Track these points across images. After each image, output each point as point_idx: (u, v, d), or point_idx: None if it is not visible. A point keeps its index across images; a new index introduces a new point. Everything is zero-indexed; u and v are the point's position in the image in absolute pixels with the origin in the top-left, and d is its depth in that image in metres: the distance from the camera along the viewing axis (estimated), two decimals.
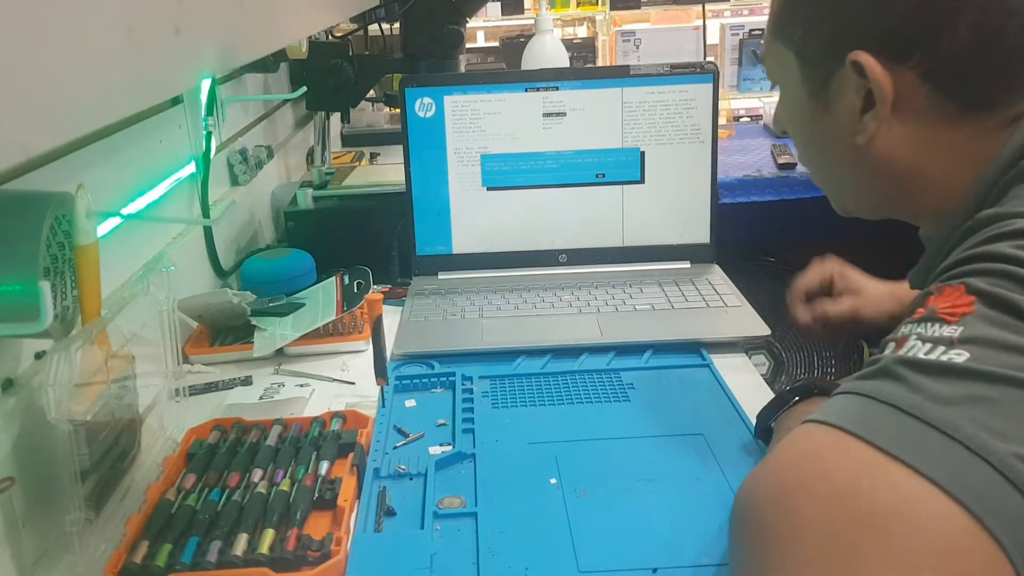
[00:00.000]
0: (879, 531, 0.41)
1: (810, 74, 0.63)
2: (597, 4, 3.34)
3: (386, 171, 1.37)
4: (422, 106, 1.09)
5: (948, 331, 0.45)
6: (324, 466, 0.70)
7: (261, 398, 0.87)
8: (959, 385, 0.43)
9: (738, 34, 3.17)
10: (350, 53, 1.31)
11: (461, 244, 1.13)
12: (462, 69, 1.46)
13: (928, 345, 0.45)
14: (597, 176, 1.11)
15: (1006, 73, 0.56)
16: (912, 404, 0.43)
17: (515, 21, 3.34)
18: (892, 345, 0.47)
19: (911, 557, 0.40)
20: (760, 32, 3.12)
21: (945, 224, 0.59)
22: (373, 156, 1.69)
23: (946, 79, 0.56)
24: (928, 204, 0.62)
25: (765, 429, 0.69)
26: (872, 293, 0.94)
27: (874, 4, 0.57)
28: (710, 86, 1.10)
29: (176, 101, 1.02)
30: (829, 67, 0.61)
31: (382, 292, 1.09)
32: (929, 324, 0.46)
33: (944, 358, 0.44)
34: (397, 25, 1.46)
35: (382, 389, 0.80)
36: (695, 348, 0.91)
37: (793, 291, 0.98)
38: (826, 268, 0.96)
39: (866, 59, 0.57)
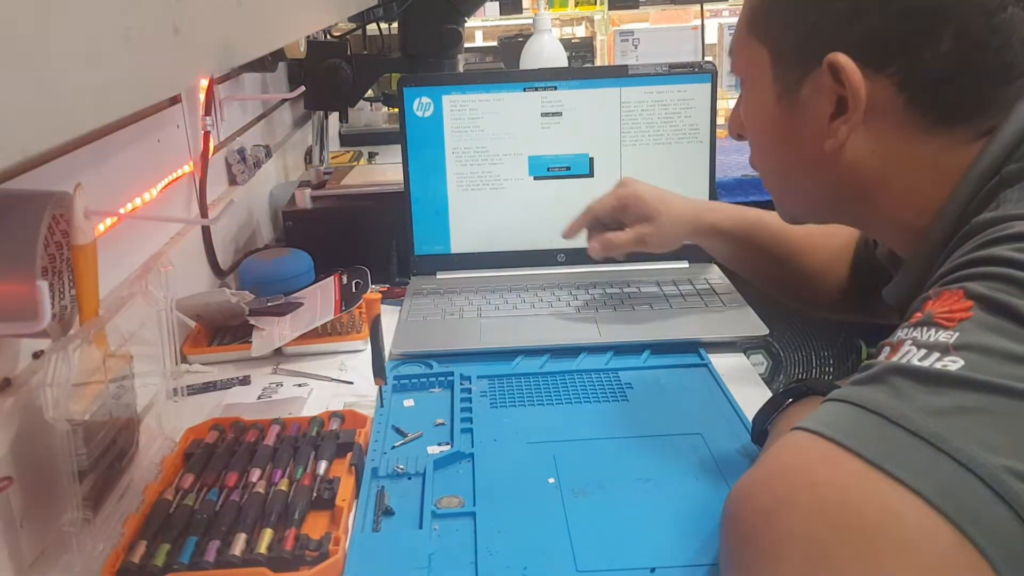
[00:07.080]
0: (865, 547, 0.40)
1: (783, 74, 0.62)
2: (595, 4, 3.34)
3: (384, 171, 1.37)
4: (420, 105, 1.09)
5: (944, 337, 0.44)
6: (322, 466, 0.70)
7: (259, 398, 0.87)
8: (952, 395, 0.42)
9: None
10: (348, 53, 1.31)
11: (459, 244, 1.13)
12: (460, 69, 1.46)
13: (923, 351, 0.44)
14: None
15: (981, 89, 0.55)
16: (901, 415, 0.42)
17: (513, 21, 3.34)
18: (887, 350, 0.47)
19: (897, 574, 0.39)
20: None
21: (924, 240, 0.58)
22: (371, 155, 1.69)
23: (923, 90, 0.56)
24: (884, 215, 0.61)
25: (761, 432, 0.68)
26: (666, 219, 0.93)
27: (859, 7, 0.56)
28: (708, 86, 1.10)
29: (174, 100, 1.02)
30: (804, 68, 0.60)
31: (380, 292, 1.09)
32: (925, 329, 0.46)
33: (938, 365, 0.43)
34: (395, 25, 1.46)
35: (380, 389, 0.80)
36: (693, 348, 0.91)
37: (585, 212, 0.97)
38: (620, 193, 0.96)
39: (845, 62, 0.56)
